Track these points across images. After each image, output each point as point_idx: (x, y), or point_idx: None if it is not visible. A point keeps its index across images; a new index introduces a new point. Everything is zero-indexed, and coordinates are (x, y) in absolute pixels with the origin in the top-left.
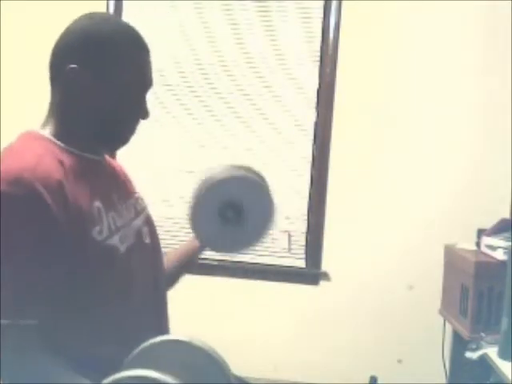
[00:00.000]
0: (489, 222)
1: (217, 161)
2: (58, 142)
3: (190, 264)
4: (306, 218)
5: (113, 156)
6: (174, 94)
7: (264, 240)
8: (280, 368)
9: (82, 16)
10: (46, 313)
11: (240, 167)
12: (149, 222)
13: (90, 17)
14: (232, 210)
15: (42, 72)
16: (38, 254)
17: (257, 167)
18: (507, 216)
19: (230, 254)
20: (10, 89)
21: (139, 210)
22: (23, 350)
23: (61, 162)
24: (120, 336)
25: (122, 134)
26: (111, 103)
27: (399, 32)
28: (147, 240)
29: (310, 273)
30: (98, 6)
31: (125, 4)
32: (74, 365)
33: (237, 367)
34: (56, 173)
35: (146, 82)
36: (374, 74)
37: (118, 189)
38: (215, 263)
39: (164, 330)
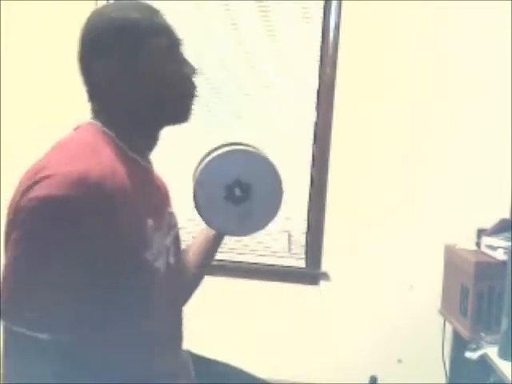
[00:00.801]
0: (489, 222)
1: None
2: (119, 141)
3: (212, 253)
4: (306, 218)
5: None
6: None
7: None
8: (279, 368)
9: (95, 10)
10: (86, 328)
11: (240, 143)
12: (176, 240)
13: (103, 9)
14: (240, 188)
15: (42, 72)
16: (87, 263)
17: None
18: (507, 216)
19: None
20: (10, 89)
21: (171, 226)
22: (60, 364)
23: (124, 166)
24: (140, 353)
25: (183, 99)
26: (151, 84)
27: (400, 31)
28: (171, 260)
29: (310, 273)
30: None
31: None
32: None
33: (243, 368)
34: (125, 181)
35: (173, 44)
36: (375, 74)
37: (162, 203)
38: (215, 263)
39: (177, 348)
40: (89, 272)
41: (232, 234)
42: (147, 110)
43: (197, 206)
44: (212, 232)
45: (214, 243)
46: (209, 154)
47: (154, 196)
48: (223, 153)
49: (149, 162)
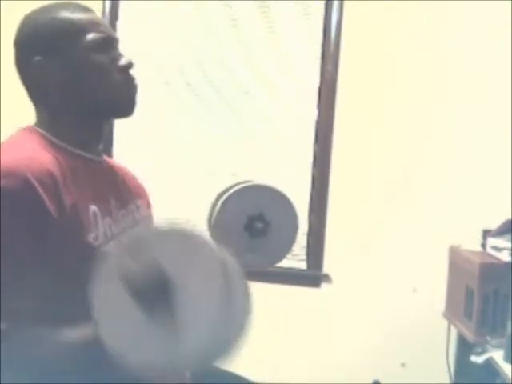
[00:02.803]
0: (494, 223)
1: (216, 161)
2: (54, 139)
3: None
4: (307, 218)
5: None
6: (171, 91)
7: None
8: (281, 371)
9: (28, 13)
10: (32, 314)
11: (251, 180)
12: None
13: (36, 10)
14: (260, 221)
15: None
16: (28, 250)
17: (257, 167)
18: None
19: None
20: (10, 89)
21: (138, 218)
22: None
23: (57, 159)
24: None
25: (121, 90)
26: (86, 77)
27: (402, 28)
28: None
29: (312, 275)
30: (94, 6)
31: (121, 4)
32: None
33: (237, 370)
34: (51, 169)
35: (104, 40)
36: (377, 72)
37: (117, 194)
38: None
39: None
40: (29, 260)
41: (247, 266)
42: (86, 104)
43: (214, 235)
44: None
45: None
46: (226, 191)
47: (102, 186)
48: (243, 188)
49: (98, 156)
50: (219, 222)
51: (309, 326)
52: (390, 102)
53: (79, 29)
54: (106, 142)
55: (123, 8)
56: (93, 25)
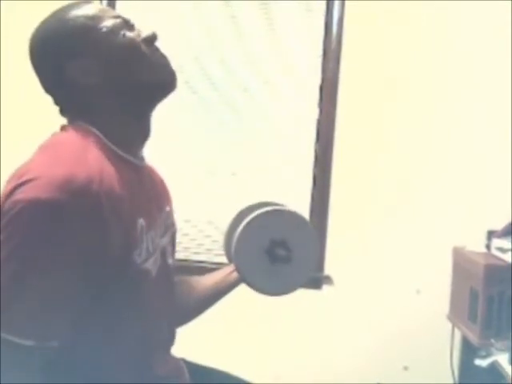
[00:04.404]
0: (499, 224)
1: (215, 160)
2: (110, 144)
3: (224, 293)
4: (308, 219)
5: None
6: None
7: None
8: (282, 375)
9: (50, 14)
10: (71, 334)
11: (269, 203)
12: (173, 240)
13: (44, 21)
14: (282, 248)
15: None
16: (81, 273)
17: (257, 166)
18: None
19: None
20: (10, 89)
21: (168, 225)
22: (45, 371)
23: (118, 171)
24: (128, 359)
25: (155, 67)
26: (126, 65)
27: (405, 24)
28: (170, 260)
29: (313, 276)
30: None
31: (118, 4)
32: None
33: (234, 373)
34: (117, 185)
35: (122, 22)
36: (379, 69)
37: (157, 201)
38: (214, 266)
39: (167, 353)
40: (76, 277)
41: (265, 290)
42: (129, 88)
43: (235, 262)
44: (233, 277)
45: (230, 286)
46: (247, 211)
47: (147, 195)
48: (267, 211)
49: (141, 159)
50: (240, 243)
51: (310, 328)
52: (393, 100)
53: (95, 19)
54: None
55: (120, 6)
56: (105, 12)
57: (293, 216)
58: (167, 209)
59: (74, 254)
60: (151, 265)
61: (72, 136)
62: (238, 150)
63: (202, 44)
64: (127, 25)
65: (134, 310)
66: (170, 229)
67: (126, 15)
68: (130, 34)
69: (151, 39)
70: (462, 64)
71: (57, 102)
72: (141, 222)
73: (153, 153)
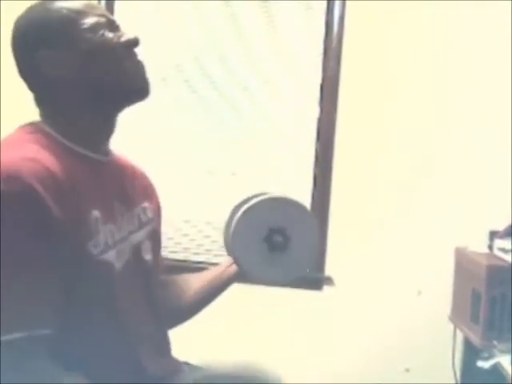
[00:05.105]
0: (501, 224)
1: (215, 159)
2: (61, 138)
3: (220, 291)
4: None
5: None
6: (168, 88)
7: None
8: (282, 376)
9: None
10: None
11: (270, 192)
12: (154, 236)
13: (30, 7)
14: (280, 235)
15: None
16: (31, 255)
17: (257, 166)
18: None
19: (273, 285)
20: (11, 89)
21: (144, 221)
22: (35, 360)
23: (61, 160)
24: (118, 355)
25: (126, 77)
26: (93, 60)
27: (405, 24)
28: (148, 256)
29: (313, 277)
30: None
31: (117, 4)
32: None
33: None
34: (55, 170)
35: (106, 22)
36: (381, 68)
37: (123, 196)
38: (213, 267)
39: (163, 353)
40: (31, 264)
41: (264, 279)
42: (97, 89)
43: (231, 249)
44: (231, 271)
45: (229, 281)
46: (245, 201)
47: (105, 189)
48: (265, 199)
49: (105, 154)
50: (238, 232)
51: (310, 329)
52: (394, 99)
53: (78, 14)
54: None
55: (119, 4)
56: (91, 8)
57: (291, 204)
58: (144, 204)
59: (23, 233)
60: (113, 258)
61: (17, 133)
62: (238, 150)
63: (202, 42)
64: (110, 25)
65: (99, 302)
66: (147, 224)
67: (126, 15)
68: (108, 35)
69: (131, 44)
70: (463, 63)
71: (30, 89)
72: (95, 213)
73: (152, 152)
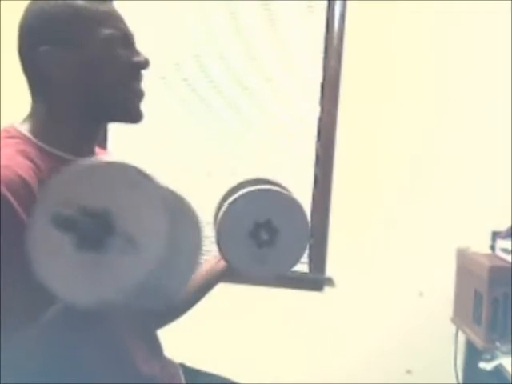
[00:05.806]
0: (504, 224)
1: (214, 159)
2: (37, 141)
3: (212, 285)
4: (309, 219)
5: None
6: (167, 86)
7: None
8: (281, 378)
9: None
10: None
11: (261, 180)
12: None
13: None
14: (268, 229)
15: None
16: (4, 265)
17: (257, 166)
18: None
19: (262, 280)
20: (11, 89)
21: None
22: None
23: (36, 165)
24: (107, 351)
25: (125, 98)
26: (99, 73)
27: (406, 23)
28: None
29: (314, 278)
30: None
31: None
32: None
33: (236, 376)
34: (27, 178)
35: (123, 36)
36: (382, 67)
37: None
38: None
39: (155, 354)
40: (3, 269)
41: (253, 274)
42: (94, 104)
43: (219, 244)
44: (221, 266)
45: (219, 276)
46: (233, 190)
47: None
48: (251, 191)
49: (88, 157)
50: (223, 226)
51: (311, 331)
52: (396, 98)
53: (97, 20)
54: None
55: (119, 5)
56: (112, 18)
57: (279, 196)
58: None
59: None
60: None
61: None
62: (238, 149)
63: (201, 41)
64: (126, 40)
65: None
66: None
67: (123, 10)
68: (119, 51)
69: (140, 66)
70: (464, 62)
71: (27, 82)
72: None
73: (151, 152)
